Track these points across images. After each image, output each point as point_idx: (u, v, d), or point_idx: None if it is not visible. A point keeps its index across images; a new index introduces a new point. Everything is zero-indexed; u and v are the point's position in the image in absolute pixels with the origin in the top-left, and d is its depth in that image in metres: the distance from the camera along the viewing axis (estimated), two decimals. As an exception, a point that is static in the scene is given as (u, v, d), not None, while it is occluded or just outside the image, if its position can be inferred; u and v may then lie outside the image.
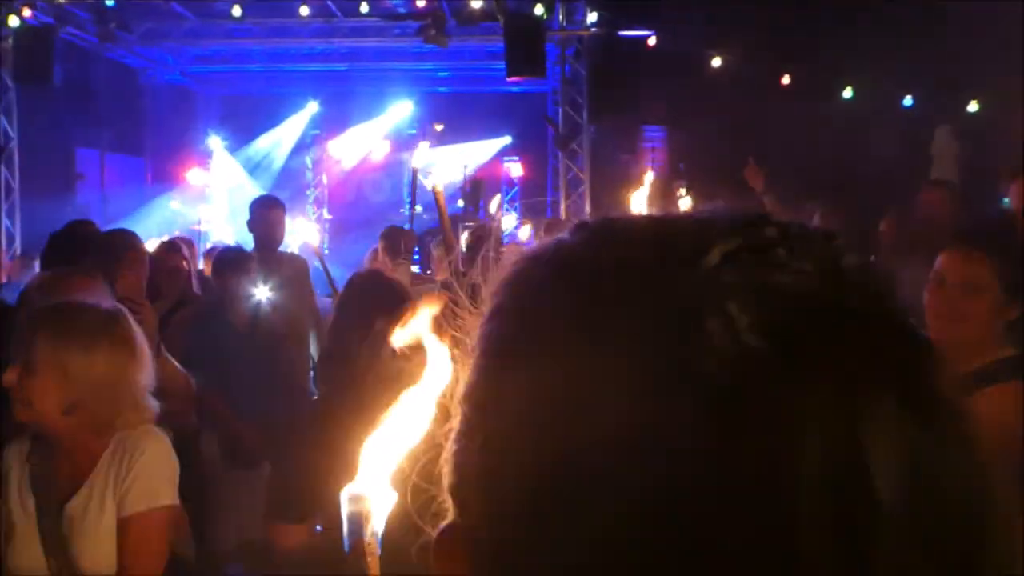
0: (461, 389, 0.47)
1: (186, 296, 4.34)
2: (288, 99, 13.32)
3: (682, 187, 9.07)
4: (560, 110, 9.98)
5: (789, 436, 0.37)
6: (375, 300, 2.44)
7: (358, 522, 0.55)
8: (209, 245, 8.67)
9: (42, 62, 8.83)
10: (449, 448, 0.48)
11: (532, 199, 11.26)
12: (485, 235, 5.74)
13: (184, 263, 4.48)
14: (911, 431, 0.39)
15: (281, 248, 5.29)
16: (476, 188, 10.32)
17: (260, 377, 4.35)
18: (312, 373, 5.29)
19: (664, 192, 6.72)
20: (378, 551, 0.56)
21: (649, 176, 4.72)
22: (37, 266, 4.94)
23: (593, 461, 0.39)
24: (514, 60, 8.78)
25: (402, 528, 0.57)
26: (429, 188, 3.77)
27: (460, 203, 10.69)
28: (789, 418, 0.37)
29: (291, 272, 5.05)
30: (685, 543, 0.37)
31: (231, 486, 4.20)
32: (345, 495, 0.55)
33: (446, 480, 0.48)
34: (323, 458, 1.37)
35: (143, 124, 12.51)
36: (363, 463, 0.56)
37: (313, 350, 5.27)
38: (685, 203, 8.31)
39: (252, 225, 5.06)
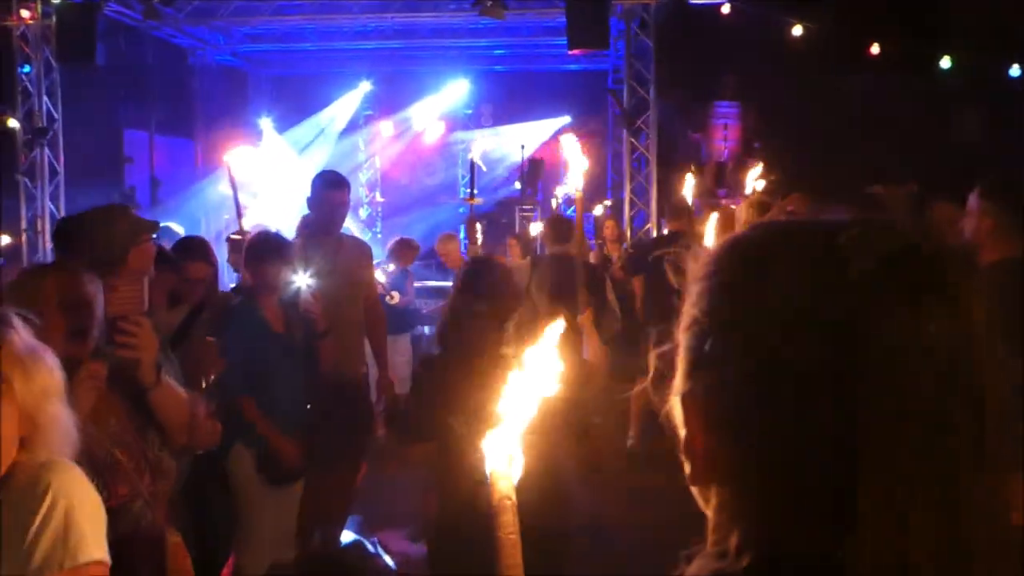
0: (687, 318, 0.79)
1: (208, 300, 3.80)
2: (341, 79, 12.91)
3: (757, 167, 8.44)
4: (624, 86, 9.35)
5: (877, 327, 0.70)
6: (480, 283, 2.93)
7: (502, 487, 0.88)
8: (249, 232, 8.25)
9: (85, 41, 8.52)
10: (682, 352, 0.79)
11: (592, 181, 10.69)
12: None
13: (209, 268, 3.94)
14: (919, 319, 0.70)
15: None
16: (535, 169, 9.79)
17: (297, 379, 3.90)
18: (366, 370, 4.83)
19: (717, 179, 6.21)
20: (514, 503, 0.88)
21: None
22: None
23: (785, 345, 0.71)
24: (576, 31, 8.21)
25: (531, 488, 0.98)
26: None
27: (517, 185, 10.18)
28: (878, 317, 0.70)
29: (350, 258, 4.58)
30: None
31: (264, 505, 3.76)
32: (490, 458, 0.90)
33: (680, 367, 0.79)
34: (443, 398, 1.72)
35: (193, 105, 12.22)
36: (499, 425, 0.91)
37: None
38: (759, 185, 7.69)
39: (312, 204, 4.59)
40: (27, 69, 9.18)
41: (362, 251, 4.77)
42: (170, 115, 11.61)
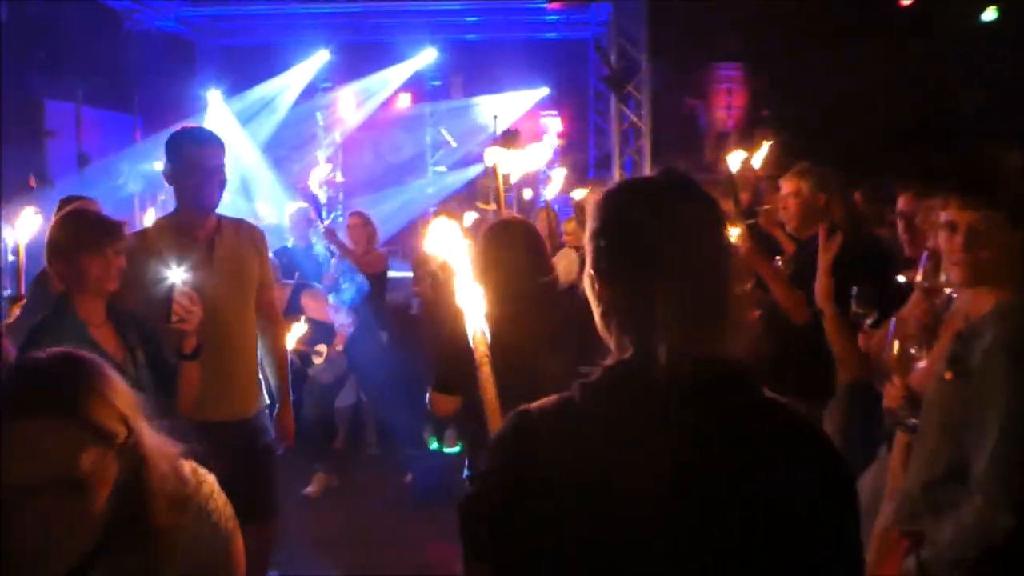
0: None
1: None
2: (296, 48, 11.74)
3: (766, 138, 7.40)
4: (614, 48, 8.27)
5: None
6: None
7: (478, 340, 1.57)
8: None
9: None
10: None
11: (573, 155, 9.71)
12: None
13: None
14: None
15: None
16: (512, 141, 8.70)
17: (168, 409, 2.80)
18: (267, 397, 3.67)
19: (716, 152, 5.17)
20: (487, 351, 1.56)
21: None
22: None
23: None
24: (557, -19, 7.14)
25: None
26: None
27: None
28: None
29: (237, 248, 3.42)
30: None
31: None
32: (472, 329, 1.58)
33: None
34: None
35: (131, 76, 10.99)
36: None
37: (265, 356, 3.66)
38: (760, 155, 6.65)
39: (176, 173, 3.28)
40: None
41: (250, 236, 3.51)
42: (103, 86, 10.39)
